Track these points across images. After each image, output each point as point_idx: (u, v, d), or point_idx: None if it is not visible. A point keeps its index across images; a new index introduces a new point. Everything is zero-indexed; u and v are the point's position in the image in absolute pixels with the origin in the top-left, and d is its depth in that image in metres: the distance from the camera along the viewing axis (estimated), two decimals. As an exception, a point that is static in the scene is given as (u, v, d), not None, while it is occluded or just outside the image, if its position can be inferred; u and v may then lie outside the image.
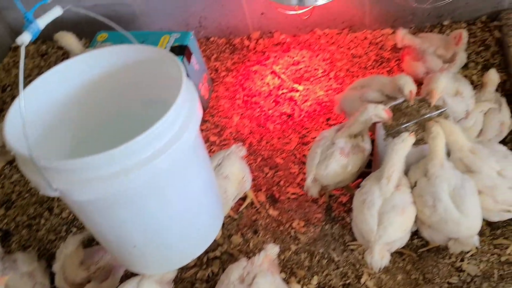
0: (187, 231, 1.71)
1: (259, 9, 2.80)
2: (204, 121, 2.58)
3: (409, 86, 1.88)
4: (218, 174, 1.95)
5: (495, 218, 1.79)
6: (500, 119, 2.00)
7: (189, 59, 2.40)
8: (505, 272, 1.74)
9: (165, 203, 1.55)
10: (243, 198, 2.16)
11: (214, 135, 2.50)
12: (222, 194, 1.92)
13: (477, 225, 1.68)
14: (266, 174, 2.29)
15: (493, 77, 2.06)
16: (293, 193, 2.18)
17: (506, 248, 1.80)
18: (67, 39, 2.51)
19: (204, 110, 2.63)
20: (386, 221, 1.66)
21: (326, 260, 1.93)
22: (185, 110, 1.43)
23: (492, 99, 2.06)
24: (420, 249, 1.88)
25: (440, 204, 1.65)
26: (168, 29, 3.01)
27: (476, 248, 1.81)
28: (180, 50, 2.39)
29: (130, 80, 1.75)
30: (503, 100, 2.08)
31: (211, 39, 3.02)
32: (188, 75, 2.39)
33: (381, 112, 1.81)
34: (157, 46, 2.44)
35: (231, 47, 2.95)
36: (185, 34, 2.46)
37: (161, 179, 1.44)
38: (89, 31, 2.70)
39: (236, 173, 1.99)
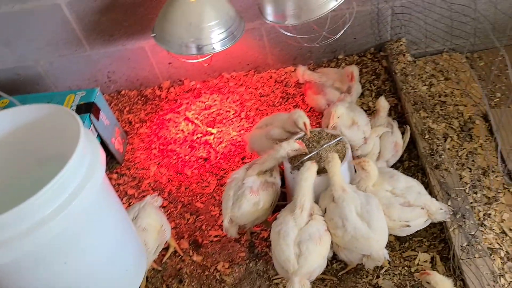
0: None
1: (166, 59, 2.87)
2: (121, 175, 2.56)
3: (302, 120, 2.00)
4: (136, 227, 1.93)
5: (402, 234, 1.92)
6: (393, 140, 2.18)
7: (97, 116, 2.39)
8: (416, 282, 1.86)
9: (74, 261, 1.50)
10: (166, 248, 2.15)
11: (132, 188, 2.48)
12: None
13: (385, 238, 1.80)
14: (188, 220, 2.29)
15: (383, 103, 2.26)
16: (216, 236, 2.20)
17: (415, 259, 1.93)
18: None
19: (120, 164, 2.61)
20: (305, 251, 1.72)
21: (253, 298, 1.95)
22: (85, 165, 1.43)
23: (385, 123, 2.25)
24: (339, 272, 1.95)
25: (349, 224, 1.75)
26: (77, 87, 2.99)
27: (389, 263, 1.92)
28: (87, 108, 2.37)
29: (28, 140, 1.71)
30: (395, 123, 2.28)
31: (122, 92, 3.03)
32: (97, 131, 2.38)
33: (295, 146, 1.91)
34: (63, 106, 2.41)
35: (143, 98, 2.98)
36: (91, 91, 2.45)
37: (65, 238, 1.41)
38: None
39: (154, 224, 1.98)
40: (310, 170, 1.82)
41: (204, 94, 2.90)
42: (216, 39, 2.17)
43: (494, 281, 1.73)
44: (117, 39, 2.74)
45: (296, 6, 1.97)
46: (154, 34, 2.25)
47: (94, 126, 2.36)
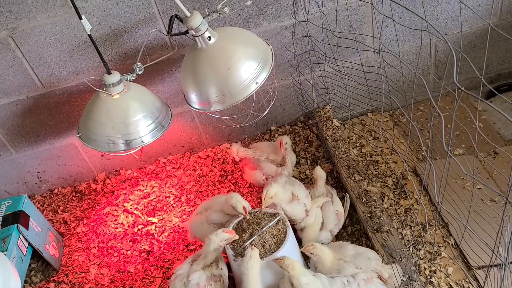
0: None
1: (98, 152, 2.80)
2: (58, 283, 2.39)
3: (241, 204, 1.99)
4: None
5: None
6: (334, 209, 2.20)
7: (26, 225, 2.25)
8: None
9: None
10: None
11: (72, 296, 2.31)
12: None
13: None
14: (135, 323, 2.15)
15: (319, 173, 2.30)
16: (166, 337, 2.06)
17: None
18: None
19: (57, 271, 2.44)
20: None
21: None
22: None
23: (324, 192, 2.28)
24: None
25: None
26: (5, 192, 2.83)
27: None
28: (14, 218, 2.24)
29: None
30: (333, 191, 2.31)
31: (55, 190, 2.90)
32: (28, 241, 2.23)
33: (224, 236, 1.87)
34: (-13, 219, 2.26)
35: (78, 194, 2.86)
36: (18, 199, 2.33)
37: None
38: None
39: None
40: (253, 257, 1.78)
41: (141, 181, 2.84)
42: (144, 131, 2.15)
43: None
44: (44, 138, 2.66)
45: (219, 93, 2.01)
46: (79, 135, 2.20)
47: (23, 237, 2.22)
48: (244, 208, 1.98)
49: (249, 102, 2.47)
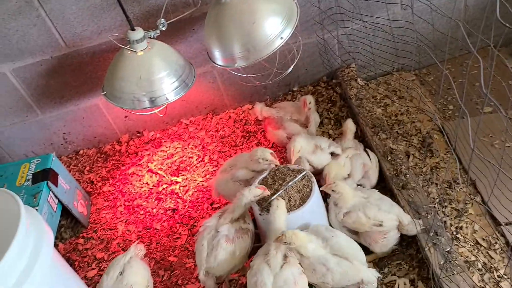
0: None
1: (122, 113, 2.82)
2: (87, 239, 2.45)
3: (268, 152, 2.00)
4: (121, 285, 1.83)
5: (376, 246, 1.93)
6: (361, 162, 2.19)
7: (55, 182, 2.30)
8: (401, 308, 1.84)
9: None
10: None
11: (101, 251, 2.37)
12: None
13: (362, 255, 1.83)
14: (162, 277, 2.20)
15: (350, 125, 2.31)
16: (194, 289, 2.12)
17: (394, 283, 1.91)
18: None
19: (86, 227, 2.50)
20: None
21: None
22: (30, 247, 1.37)
23: (353, 145, 2.27)
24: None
25: (331, 264, 1.73)
26: (33, 153, 2.89)
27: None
28: (43, 175, 2.29)
29: None
30: (361, 145, 2.30)
31: (81, 152, 2.95)
32: (58, 198, 2.29)
33: (257, 192, 1.88)
34: (18, 176, 2.32)
35: (102, 155, 2.90)
36: (46, 157, 2.37)
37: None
38: None
39: (140, 282, 1.88)
40: (279, 207, 1.80)
41: (164, 143, 2.86)
42: (168, 89, 2.15)
43: (476, 294, 1.73)
44: (68, 100, 2.69)
45: (244, 48, 1.99)
46: (104, 93, 2.21)
47: (53, 193, 2.27)
48: (272, 154, 1.99)
49: (272, 61, 2.44)
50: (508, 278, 1.83)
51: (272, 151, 2.03)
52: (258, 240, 2.10)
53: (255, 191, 1.88)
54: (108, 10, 2.33)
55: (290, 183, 1.94)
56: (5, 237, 1.37)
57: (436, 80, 2.72)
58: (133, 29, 2.08)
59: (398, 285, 1.89)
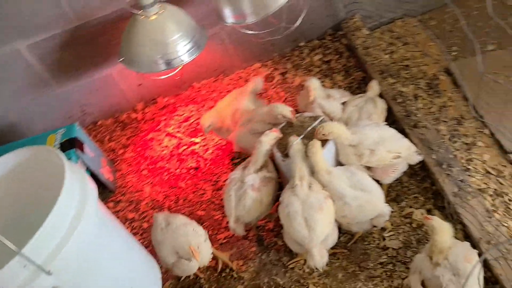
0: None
1: (135, 81, 2.91)
2: (116, 202, 2.58)
3: (286, 110, 2.10)
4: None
5: (388, 178, 2.05)
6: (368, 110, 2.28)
7: (82, 149, 2.42)
8: (420, 236, 1.97)
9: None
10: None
11: (131, 212, 2.51)
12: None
13: (381, 193, 1.91)
14: (193, 229, 2.34)
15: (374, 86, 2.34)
16: (224, 238, 2.25)
17: (412, 214, 2.04)
18: None
19: (114, 192, 2.63)
20: (312, 223, 1.80)
21: (273, 287, 2.01)
22: (76, 199, 1.49)
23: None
24: (348, 244, 2.04)
25: (348, 198, 1.84)
26: (52, 127, 2.98)
27: (391, 224, 2.03)
28: (70, 144, 2.39)
29: (17, 185, 1.75)
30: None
31: (99, 122, 3.05)
32: (86, 165, 2.40)
33: (273, 135, 1.99)
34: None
35: (120, 124, 3.00)
36: (70, 127, 2.48)
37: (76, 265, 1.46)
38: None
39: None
40: (298, 143, 1.92)
41: (179, 107, 2.96)
42: (182, 51, 2.23)
43: (489, 217, 1.85)
44: (83, 72, 2.77)
45: (253, 4, 2.06)
46: (121, 59, 2.29)
47: (81, 160, 2.39)
48: (291, 112, 2.09)
49: (279, 17, 2.50)
50: (518, 201, 1.95)
51: (292, 109, 2.12)
52: (281, 188, 2.22)
53: (271, 135, 1.99)
54: (115, -22, 2.38)
55: (309, 128, 2.05)
56: (53, 190, 1.48)
57: (438, 25, 2.79)
58: (144, -6, 2.14)
59: (416, 215, 2.02)
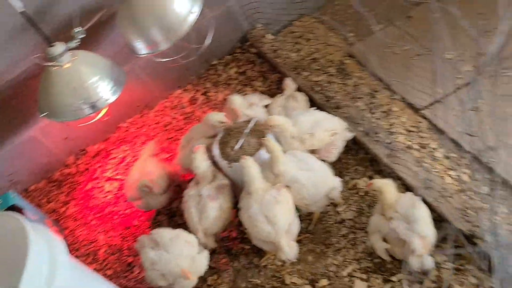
0: None
1: (60, 136, 2.85)
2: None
3: (220, 115, 2.22)
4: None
5: (331, 156, 2.24)
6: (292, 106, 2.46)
7: (23, 215, 2.31)
8: (368, 201, 2.15)
9: None
10: None
11: (91, 263, 2.44)
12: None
13: (328, 168, 2.09)
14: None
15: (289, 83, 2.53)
16: (192, 260, 2.27)
17: (357, 184, 2.23)
18: None
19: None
20: (273, 218, 1.90)
21: (252, 289, 2.07)
22: (45, 260, 1.45)
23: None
24: (308, 228, 2.17)
25: (304, 178, 1.99)
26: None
27: (342, 199, 2.18)
28: (10, 212, 2.28)
29: None
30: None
31: (32, 187, 2.93)
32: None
33: (199, 150, 2.11)
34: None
35: (55, 184, 2.91)
36: (6, 196, 2.37)
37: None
38: None
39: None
40: (248, 160, 2.00)
41: (112, 150, 2.93)
42: (105, 91, 2.24)
43: (420, 166, 2.09)
44: (2, 140, 2.66)
45: (162, 31, 2.14)
46: (44, 114, 2.25)
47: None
48: (225, 115, 2.19)
49: (189, 40, 2.60)
50: (439, 148, 2.21)
51: (224, 113, 2.23)
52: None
53: (198, 151, 2.12)
54: (20, 35, 2.33)
55: (246, 130, 2.16)
56: (19, 255, 1.42)
57: (333, 16, 3.06)
58: (52, 45, 2.15)
59: (360, 184, 2.21)
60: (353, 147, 2.34)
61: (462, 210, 1.92)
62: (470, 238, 1.83)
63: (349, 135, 2.25)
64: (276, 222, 1.89)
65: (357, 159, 2.32)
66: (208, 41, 2.43)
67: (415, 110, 2.39)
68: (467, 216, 1.90)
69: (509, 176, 1.97)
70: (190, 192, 2.11)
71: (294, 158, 2.07)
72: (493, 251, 1.70)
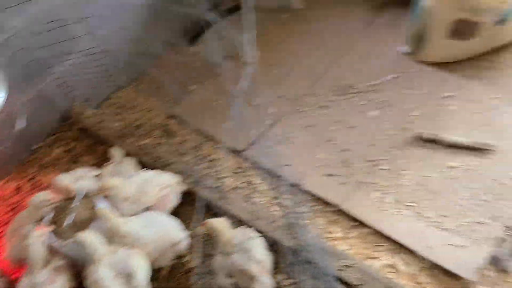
0: None
1: None
2: None
3: (45, 194, 2.23)
4: None
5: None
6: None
7: None
8: (211, 243, 2.29)
9: None
10: None
11: None
12: None
13: (173, 221, 2.21)
14: None
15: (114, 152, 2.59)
16: None
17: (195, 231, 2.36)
18: None
19: None
20: (132, 271, 1.94)
21: None
22: None
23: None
24: (159, 282, 2.20)
25: (146, 238, 2.06)
26: None
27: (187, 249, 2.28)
28: None
29: None
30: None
31: None
32: None
33: (39, 232, 2.03)
34: None
35: None
36: None
37: None
38: None
39: None
40: (88, 236, 1.99)
41: None
42: None
43: (248, 201, 2.34)
44: None
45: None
46: None
47: None
48: (51, 192, 2.15)
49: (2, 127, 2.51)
50: (262, 182, 2.51)
51: (48, 191, 2.18)
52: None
53: (38, 231, 2.04)
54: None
55: (74, 205, 2.15)
56: None
57: (150, 84, 3.26)
58: None
59: (199, 230, 2.33)
60: (187, 197, 2.49)
61: (288, 230, 2.19)
62: (298, 252, 2.09)
63: (182, 188, 2.40)
64: (135, 275, 1.90)
65: (192, 207, 2.45)
66: (20, 125, 2.38)
67: (237, 153, 2.67)
68: (293, 234, 2.17)
69: (320, 192, 2.35)
70: (24, 282, 1.98)
71: (135, 217, 2.13)
72: (315, 257, 1.98)
